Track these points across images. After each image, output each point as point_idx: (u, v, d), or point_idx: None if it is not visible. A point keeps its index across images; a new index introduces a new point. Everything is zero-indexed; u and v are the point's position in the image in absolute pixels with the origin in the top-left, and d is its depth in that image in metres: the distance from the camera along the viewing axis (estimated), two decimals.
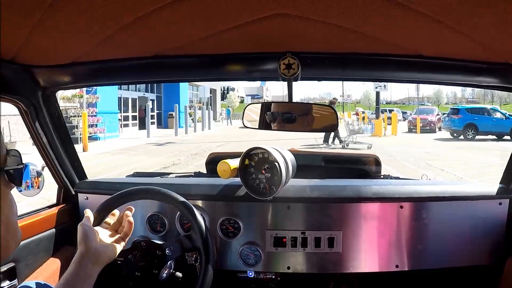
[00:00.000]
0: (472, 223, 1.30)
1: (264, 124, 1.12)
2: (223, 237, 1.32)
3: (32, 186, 1.27)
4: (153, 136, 15.55)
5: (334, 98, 14.54)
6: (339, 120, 1.11)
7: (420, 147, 11.59)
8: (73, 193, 1.45)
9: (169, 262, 1.09)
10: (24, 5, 0.68)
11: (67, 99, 12.24)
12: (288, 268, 1.31)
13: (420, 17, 0.73)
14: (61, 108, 1.38)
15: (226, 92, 49.27)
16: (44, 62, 1.09)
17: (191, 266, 1.19)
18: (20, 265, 1.17)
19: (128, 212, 0.98)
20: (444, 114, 20.92)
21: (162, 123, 22.23)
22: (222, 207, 1.33)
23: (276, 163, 1.20)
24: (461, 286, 1.40)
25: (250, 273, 1.37)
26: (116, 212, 1.03)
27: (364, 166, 1.73)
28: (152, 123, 19.65)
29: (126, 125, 18.97)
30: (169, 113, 20.44)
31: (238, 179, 1.27)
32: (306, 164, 1.62)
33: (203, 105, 24.59)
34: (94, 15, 0.75)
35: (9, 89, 1.10)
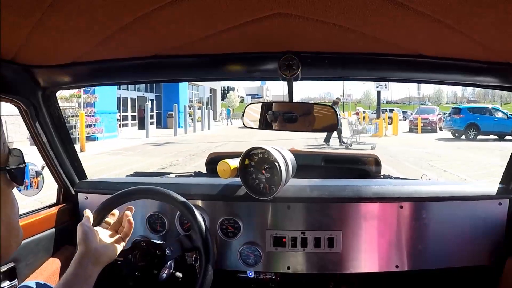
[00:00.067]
0: (472, 223, 1.30)
1: (264, 124, 1.12)
2: (223, 237, 1.32)
3: (31, 186, 1.27)
4: (152, 136, 15.52)
5: (337, 98, 14.41)
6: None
7: (422, 147, 11.52)
8: (73, 192, 1.45)
9: (169, 262, 1.09)
10: (24, 5, 0.68)
11: (65, 99, 12.18)
12: (288, 268, 1.31)
13: (420, 17, 0.73)
14: None
15: (226, 92, 49.27)
16: (44, 62, 1.09)
17: (191, 266, 1.19)
18: (20, 265, 1.17)
19: (128, 212, 0.98)
20: (444, 113, 20.88)
21: (162, 123, 22.23)
22: (222, 207, 1.33)
23: (276, 163, 1.20)
24: (461, 286, 1.40)
25: (250, 273, 1.37)
26: (116, 212, 1.03)
27: (364, 166, 1.73)
28: (152, 123, 19.64)
29: (125, 125, 18.96)
30: (169, 113, 20.43)
31: (238, 179, 1.27)
32: (306, 164, 1.62)
33: (202, 105, 24.57)
34: (94, 15, 0.75)
35: (9, 89, 1.10)
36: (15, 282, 1.14)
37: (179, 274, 1.14)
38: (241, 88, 55.19)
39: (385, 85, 18.30)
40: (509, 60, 0.98)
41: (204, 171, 1.75)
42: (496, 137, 15.27)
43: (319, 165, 1.74)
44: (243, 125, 1.22)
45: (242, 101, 49.99)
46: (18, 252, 1.17)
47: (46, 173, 1.33)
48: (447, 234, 1.29)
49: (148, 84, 20.34)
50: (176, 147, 12.00)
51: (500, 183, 1.35)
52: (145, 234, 1.34)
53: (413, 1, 0.66)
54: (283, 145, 1.51)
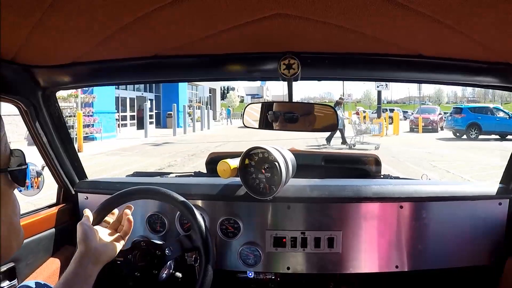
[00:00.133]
0: (472, 223, 1.30)
1: (265, 124, 1.12)
2: (223, 237, 1.31)
3: (31, 186, 1.27)
4: (151, 136, 15.49)
5: (340, 98, 14.26)
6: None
7: (423, 147, 11.47)
8: (73, 192, 1.45)
9: (168, 262, 1.09)
10: (24, 5, 0.68)
11: (63, 99, 12.13)
12: (288, 268, 1.31)
13: (420, 17, 0.73)
14: None
15: (226, 91, 49.27)
16: (44, 62, 1.09)
17: (190, 266, 1.19)
18: (20, 265, 1.17)
19: (127, 211, 0.98)
20: (445, 113, 20.84)
21: (161, 122, 22.22)
22: (222, 207, 1.33)
23: (276, 163, 1.20)
24: (461, 287, 1.40)
25: (250, 274, 1.37)
26: (116, 210, 1.03)
27: (364, 166, 1.73)
28: (151, 123, 19.61)
29: (124, 125, 18.95)
30: (168, 112, 20.41)
31: (238, 179, 1.27)
32: (306, 164, 1.62)
33: (202, 104, 24.56)
34: (94, 15, 0.75)
35: (9, 89, 1.10)
36: (15, 282, 1.14)
37: (179, 274, 1.14)
38: (241, 88, 55.18)
39: (386, 84, 18.28)
40: (509, 60, 0.98)
41: (204, 171, 1.75)
42: (497, 136, 15.23)
43: (319, 165, 1.74)
44: (243, 125, 1.22)
45: (242, 101, 49.97)
46: (18, 252, 1.16)
47: (46, 173, 1.33)
48: (447, 234, 1.29)
49: (148, 84, 20.33)
50: (175, 147, 11.94)
51: (500, 183, 1.35)
52: (145, 234, 1.34)
53: (413, 1, 0.66)
54: (283, 145, 1.51)
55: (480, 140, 14.59)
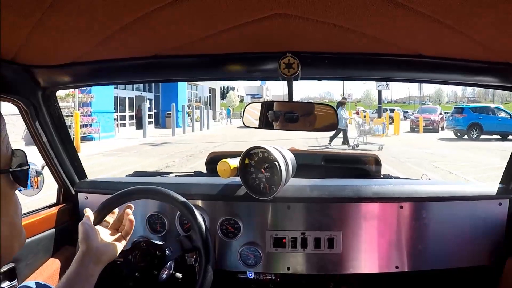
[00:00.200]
0: (472, 223, 1.30)
1: (265, 124, 1.12)
2: (223, 237, 1.31)
3: (31, 186, 1.27)
4: (150, 136, 15.44)
5: (343, 98, 14.13)
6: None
7: (424, 148, 11.42)
8: (73, 192, 1.45)
9: (169, 263, 1.08)
10: (24, 5, 0.68)
11: (60, 98, 12.09)
12: (288, 269, 1.31)
13: (420, 17, 0.73)
14: None
15: (226, 91, 49.27)
16: (44, 62, 1.09)
17: (191, 266, 1.19)
18: (20, 265, 1.17)
19: (128, 210, 0.98)
20: (446, 113, 20.80)
21: (160, 122, 22.19)
22: (222, 207, 1.33)
23: (276, 163, 1.20)
24: (461, 287, 1.40)
25: (250, 274, 1.37)
26: (116, 210, 1.03)
27: (364, 166, 1.73)
28: (150, 122, 19.58)
29: (123, 125, 18.91)
30: (167, 112, 20.38)
31: (238, 179, 1.27)
32: (306, 164, 1.62)
33: (202, 104, 24.54)
34: (94, 15, 0.75)
35: (9, 89, 1.10)
36: (15, 282, 1.14)
37: (179, 275, 1.14)
38: (241, 87, 55.17)
39: (387, 84, 18.22)
40: (509, 60, 0.98)
41: (203, 171, 1.75)
42: (498, 137, 15.16)
43: (319, 165, 1.74)
44: (243, 125, 1.22)
45: (241, 101, 49.94)
46: (18, 252, 1.16)
47: (46, 173, 1.33)
48: (447, 234, 1.29)
49: (147, 84, 20.32)
50: (173, 147, 11.89)
51: (500, 183, 1.35)
52: (145, 235, 1.34)
53: (413, 1, 0.66)
54: (283, 145, 1.51)
55: (481, 140, 14.53)
